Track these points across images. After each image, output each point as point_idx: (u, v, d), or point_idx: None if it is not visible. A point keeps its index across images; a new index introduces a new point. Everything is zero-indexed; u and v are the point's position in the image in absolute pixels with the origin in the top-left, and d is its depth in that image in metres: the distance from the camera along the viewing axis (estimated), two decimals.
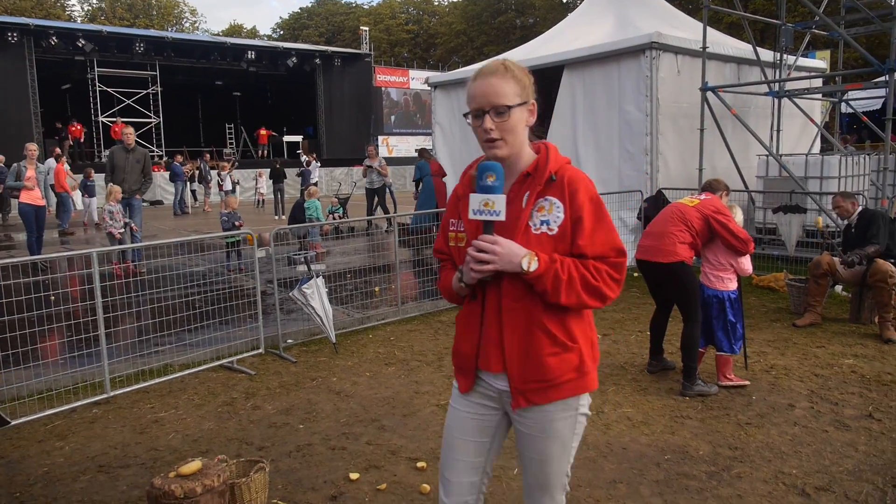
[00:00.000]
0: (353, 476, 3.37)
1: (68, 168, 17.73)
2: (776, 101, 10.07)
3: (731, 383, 4.48)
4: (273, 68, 28.12)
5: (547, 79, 10.58)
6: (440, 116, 13.00)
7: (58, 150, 17.75)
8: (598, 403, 4.24)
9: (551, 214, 1.80)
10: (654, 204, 8.45)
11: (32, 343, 4.50)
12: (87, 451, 3.79)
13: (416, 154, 14.15)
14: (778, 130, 10.18)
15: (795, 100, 10.03)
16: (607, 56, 9.46)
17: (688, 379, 4.39)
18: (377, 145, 17.25)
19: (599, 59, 9.59)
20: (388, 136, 32.15)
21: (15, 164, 9.29)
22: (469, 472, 1.98)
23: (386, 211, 13.73)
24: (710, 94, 8.89)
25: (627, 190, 9.18)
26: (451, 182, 12.60)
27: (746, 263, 4.48)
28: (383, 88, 32.45)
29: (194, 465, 2.79)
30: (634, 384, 4.61)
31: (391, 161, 21.53)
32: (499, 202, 1.75)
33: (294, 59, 27.14)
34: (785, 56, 10.23)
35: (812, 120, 10.74)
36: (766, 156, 9.17)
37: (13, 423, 4.08)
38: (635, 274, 7.22)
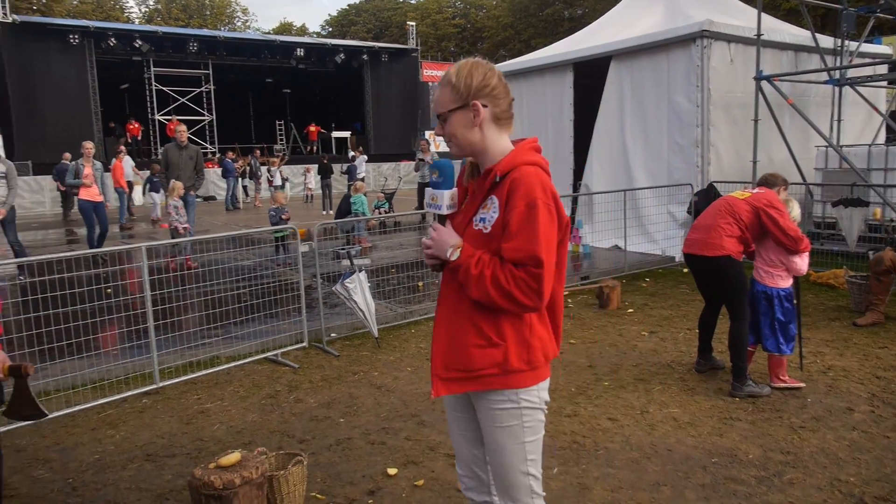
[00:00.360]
0: (392, 471, 3.37)
1: (133, 165, 18.34)
2: (837, 89, 9.63)
3: (784, 385, 4.29)
4: (321, 65, 28.51)
5: (594, 71, 10.39)
6: None
7: (122, 147, 18.39)
8: (643, 403, 4.13)
9: (488, 213, 1.85)
10: (705, 197, 8.20)
11: (88, 334, 4.66)
12: (135, 440, 3.90)
13: None
14: (838, 120, 9.74)
15: (858, 88, 9.57)
16: (656, 46, 9.21)
17: (737, 379, 4.23)
18: (427, 140, 17.41)
19: (648, 49, 9.35)
20: (434, 130, 32.26)
21: (73, 162, 9.64)
22: (477, 465, 2.08)
23: None
24: (765, 84, 8.56)
25: (677, 183, 8.93)
26: None
27: (800, 263, 4.26)
28: (430, 83, 32.49)
29: (233, 456, 2.83)
30: (681, 384, 4.47)
31: (441, 156, 21.55)
32: (440, 197, 1.91)
33: (342, 55, 27.44)
34: (846, 42, 9.77)
35: (876, 109, 10.23)
36: (826, 147, 8.79)
37: (70, 410, 4.24)
38: (685, 269, 7.04)
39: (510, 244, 1.77)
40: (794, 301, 4.35)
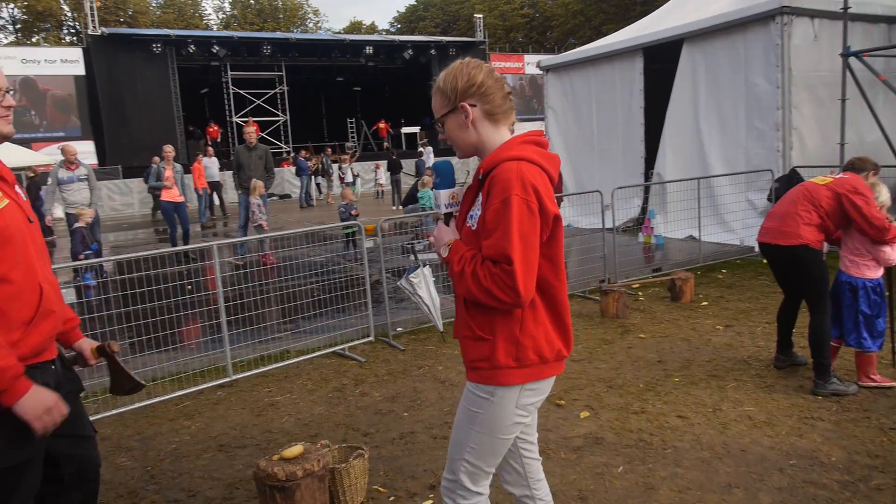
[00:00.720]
0: None
1: (219, 166, 19.09)
2: None
3: (874, 384, 4.01)
4: (390, 62, 28.83)
5: (664, 55, 10.04)
6: (553, 100, 12.69)
7: (210, 148, 19.21)
8: (716, 400, 3.96)
9: (475, 210, 1.90)
10: (787, 184, 7.76)
11: (169, 328, 4.88)
12: (210, 431, 4.06)
13: None
14: None
15: None
16: (732, 26, 8.80)
17: (820, 376, 3.98)
18: None
19: (723, 29, 8.94)
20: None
21: (155, 166, 10.13)
22: (511, 457, 2.14)
23: None
24: (853, 60, 8.01)
25: (756, 170, 8.51)
26: (562, 168, 12.30)
27: (891, 253, 3.95)
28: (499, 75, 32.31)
29: (296, 449, 2.89)
30: (758, 380, 4.25)
31: None
32: (438, 197, 2.04)
33: (410, 51, 27.67)
34: None
35: None
36: None
37: (151, 401, 4.46)
38: (764, 260, 6.72)
39: (487, 241, 1.80)
40: (886, 293, 4.06)
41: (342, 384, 4.71)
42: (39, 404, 1.86)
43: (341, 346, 5.42)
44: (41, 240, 2.09)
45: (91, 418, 4.18)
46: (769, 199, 8.26)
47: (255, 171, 9.54)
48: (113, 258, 5.10)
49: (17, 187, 2.05)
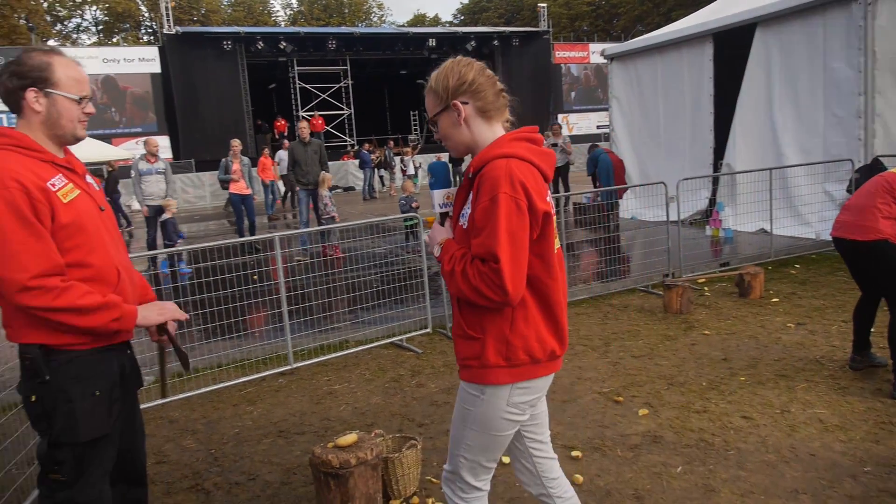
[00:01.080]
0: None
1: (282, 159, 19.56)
2: None
3: None
4: (453, 54, 28.55)
5: (736, 41, 9.63)
6: (617, 90, 12.40)
7: (286, 142, 19.72)
8: (784, 402, 3.79)
9: (466, 209, 1.89)
10: (869, 174, 7.30)
11: (234, 317, 5.04)
12: (271, 417, 4.17)
13: (597, 131, 13.78)
14: None
15: None
16: (809, 8, 8.36)
17: None
18: (559, 124, 17.05)
19: (799, 12, 8.50)
20: (567, 113, 31.49)
21: (224, 160, 10.44)
22: (523, 457, 2.16)
23: (567, 190, 13.41)
24: None
25: (834, 159, 8.07)
26: (627, 159, 12.01)
27: None
28: (563, 65, 31.78)
29: (350, 437, 2.93)
30: (832, 381, 4.04)
31: (572, 139, 21.10)
32: (433, 197, 2.08)
33: (472, 42, 27.56)
34: None
35: None
36: None
37: (216, 386, 4.63)
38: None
39: (476, 240, 1.79)
40: None
41: (399, 375, 4.76)
42: (153, 311, 2.17)
43: (399, 337, 5.47)
44: (115, 228, 2.23)
45: (161, 402, 4.39)
46: (849, 191, 7.83)
47: (311, 166, 9.65)
48: (180, 248, 5.30)
49: (88, 177, 2.18)
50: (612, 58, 12.44)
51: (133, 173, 9.41)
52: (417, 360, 5.06)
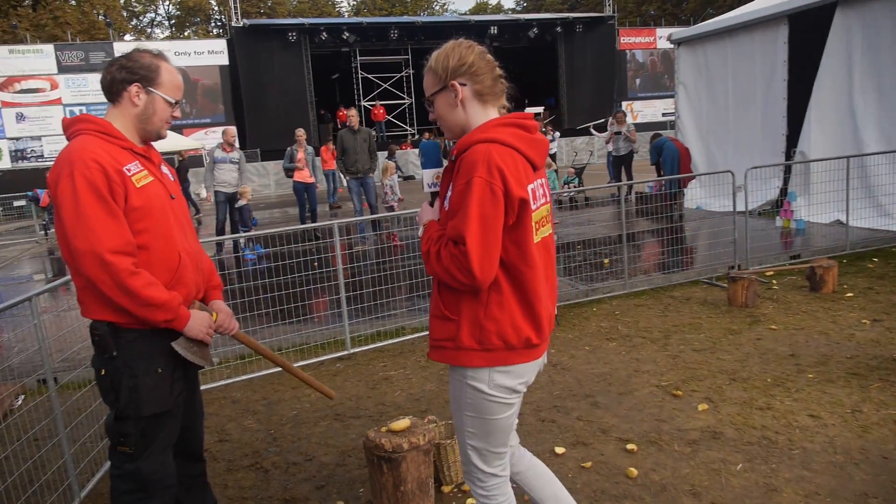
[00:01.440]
0: (559, 450, 3.31)
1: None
2: None
3: None
4: (515, 41, 28.52)
5: (813, 22, 9.16)
6: (684, 76, 12.01)
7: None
8: (856, 401, 3.60)
9: (449, 192, 1.86)
10: None
11: (295, 302, 5.17)
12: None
13: (663, 118, 13.34)
14: None
15: None
16: None
17: None
18: (623, 111, 16.55)
19: None
20: (632, 100, 30.74)
21: (289, 148, 10.67)
22: None
23: (630, 179, 13.05)
24: None
25: None
26: (693, 148, 11.63)
27: None
28: (628, 51, 31.00)
29: (403, 422, 2.96)
30: None
31: (636, 127, 20.60)
32: (423, 176, 2.11)
33: (535, 29, 27.21)
34: None
35: None
36: None
37: (276, 369, 4.76)
38: None
39: (450, 222, 1.81)
40: None
41: None
42: (203, 325, 2.21)
43: None
44: (185, 216, 2.35)
45: (224, 382, 4.55)
46: None
47: (360, 155, 9.58)
48: (244, 235, 5.46)
49: (163, 167, 2.31)
50: (679, 42, 12.05)
51: (207, 160, 9.73)
52: None
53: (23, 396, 4.64)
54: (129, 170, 2.09)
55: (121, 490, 2.20)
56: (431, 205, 2.05)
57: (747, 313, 5.36)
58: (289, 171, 10.75)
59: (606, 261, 7.30)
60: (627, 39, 30.94)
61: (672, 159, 10.98)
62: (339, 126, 26.46)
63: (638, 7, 46.47)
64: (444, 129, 2.00)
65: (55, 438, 3.23)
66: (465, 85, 1.90)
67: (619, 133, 12.72)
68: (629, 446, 3.28)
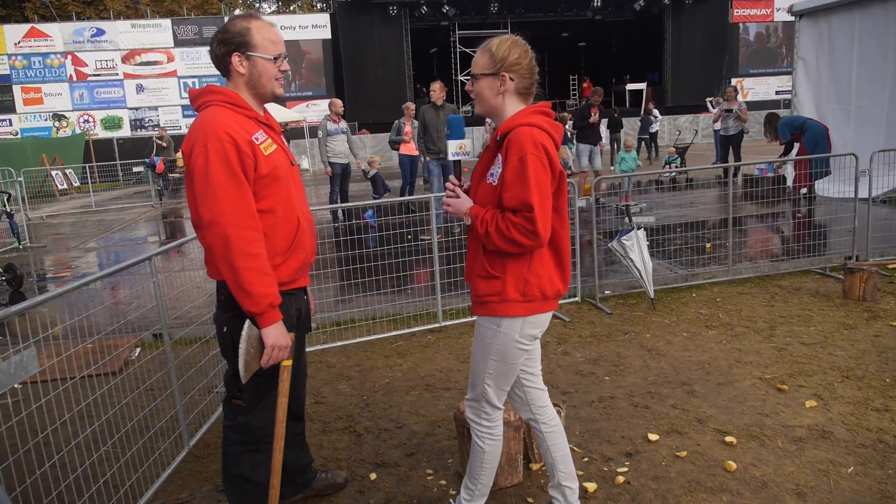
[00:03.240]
0: (653, 437, 3.22)
1: None
2: None
3: None
4: (619, 14, 27.51)
5: None
6: (804, 50, 11.17)
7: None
8: None
9: (495, 168, 2.19)
10: None
11: (389, 273, 5.28)
12: (418, 371, 4.34)
13: (776, 97, 12.39)
14: None
15: None
16: None
17: None
18: (735, 87, 15.35)
19: None
20: (743, 77, 28.97)
21: (396, 121, 10.75)
22: (517, 385, 2.49)
23: (738, 160, 12.34)
24: None
25: None
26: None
27: None
28: (741, 24, 29.17)
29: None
30: None
31: (747, 105, 19.44)
32: (448, 146, 2.44)
33: (641, 2, 26.08)
34: None
35: None
36: None
37: (370, 337, 4.89)
38: None
39: (507, 193, 2.10)
40: None
41: (545, 341, 4.73)
42: (279, 339, 2.17)
43: None
44: (300, 182, 2.45)
45: (321, 347, 4.73)
46: None
47: (442, 133, 8.55)
48: (341, 205, 5.61)
49: (281, 136, 2.39)
50: (800, 14, 11.19)
51: (321, 133, 9.94)
52: (564, 327, 5.00)
53: (139, 349, 5.01)
54: (256, 139, 2.18)
55: (232, 440, 2.34)
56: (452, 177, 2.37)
57: (865, 308, 4.99)
58: (395, 144, 10.78)
59: (709, 245, 6.98)
60: (741, 11, 29.07)
61: (815, 140, 9.87)
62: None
63: None
64: (477, 105, 2.28)
65: (168, 390, 3.47)
66: (512, 80, 2.19)
67: (729, 111, 12.03)
68: (728, 439, 3.15)
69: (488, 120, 12.87)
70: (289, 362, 2.24)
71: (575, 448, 3.18)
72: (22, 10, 34.60)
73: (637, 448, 3.15)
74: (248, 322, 2.17)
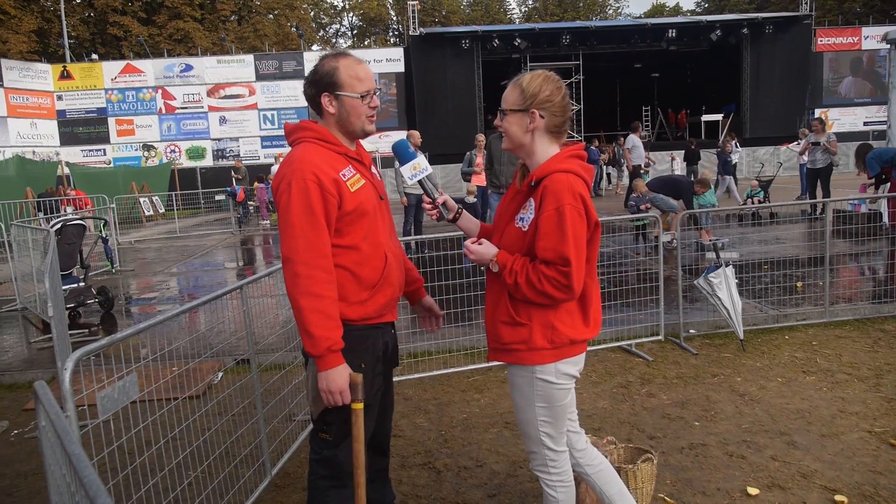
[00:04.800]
0: (752, 491, 3.02)
1: None
2: None
3: None
4: (694, 45, 27.03)
5: None
6: None
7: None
8: None
9: (526, 213, 2.13)
10: None
11: (463, 306, 5.22)
12: (497, 407, 4.24)
13: (864, 127, 11.76)
14: None
15: None
16: None
17: None
18: (821, 119, 14.58)
19: None
20: (828, 107, 27.85)
21: (468, 153, 10.82)
22: None
23: (827, 195, 11.73)
24: None
25: None
26: None
27: None
28: (825, 53, 28.14)
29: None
30: None
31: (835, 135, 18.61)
32: (401, 173, 2.45)
33: (718, 31, 25.58)
34: None
35: None
36: None
37: (446, 371, 4.84)
38: None
39: (542, 243, 2.03)
40: None
41: (627, 381, 4.56)
42: (332, 384, 2.13)
43: (628, 342, 5.25)
44: (389, 216, 2.44)
45: (397, 379, 4.69)
46: None
47: (505, 165, 8.09)
48: (412, 238, 5.63)
49: (373, 168, 2.40)
50: (895, 42, 10.68)
51: (397, 164, 10.12)
52: (647, 367, 4.81)
53: (221, 373, 5.12)
54: (344, 175, 2.19)
55: (318, 474, 2.32)
56: (446, 214, 2.40)
57: None
58: (466, 176, 10.84)
59: (799, 284, 6.62)
60: (825, 40, 28.08)
61: None
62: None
63: (839, 4, 42.09)
64: (508, 140, 2.21)
65: (254, 418, 3.50)
66: (543, 117, 2.13)
67: (817, 144, 11.50)
68: (838, 497, 2.91)
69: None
70: (359, 405, 2.18)
71: (667, 498, 3.01)
72: (119, 48, 37.15)
73: (735, 503, 2.95)
74: (311, 360, 2.17)
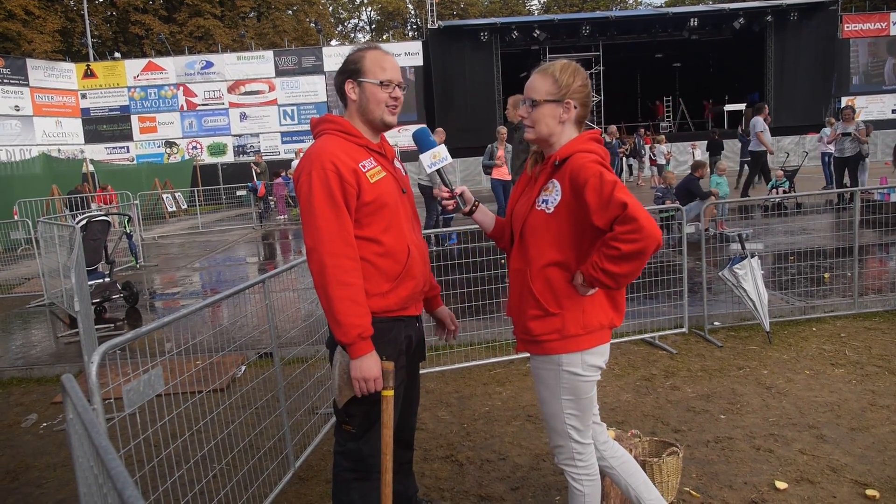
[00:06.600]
0: (780, 485, 2.97)
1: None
2: None
3: None
4: (716, 33, 26.64)
5: None
6: None
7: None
8: None
9: (550, 196, 2.10)
10: None
11: (486, 299, 5.21)
12: (519, 400, 4.23)
13: (892, 115, 11.47)
14: None
15: None
16: None
17: None
18: (851, 107, 14.15)
19: None
20: (854, 95, 27.29)
21: (490, 145, 10.74)
22: None
23: (856, 184, 11.48)
24: None
25: None
26: None
27: None
28: (851, 40, 27.55)
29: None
30: None
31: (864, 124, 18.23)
32: (421, 161, 2.41)
33: (741, 20, 25.16)
34: None
35: None
36: None
37: (468, 364, 4.83)
38: None
39: (597, 212, 1.96)
40: None
41: (651, 374, 4.51)
42: (365, 371, 2.13)
43: (651, 335, 5.20)
44: (413, 210, 2.43)
45: (421, 372, 4.68)
46: None
47: (515, 160, 7.86)
48: (431, 230, 5.61)
49: (396, 162, 2.39)
50: None
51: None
52: (671, 360, 4.76)
53: (244, 367, 5.16)
54: (363, 166, 2.19)
55: (342, 467, 2.33)
56: (462, 207, 2.39)
57: None
58: (487, 168, 10.76)
59: (826, 275, 6.50)
60: (852, 26, 27.48)
61: None
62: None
63: None
64: (536, 130, 2.16)
65: (277, 410, 3.52)
66: (576, 108, 2.14)
67: (847, 134, 11.23)
68: (869, 492, 2.85)
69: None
70: (389, 392, 2.18)
71: (693, 492, 2.98)
72: (141, 46, 37.56)
73: (763, 496, 2.90)
74: (339, 348, 2.17)
